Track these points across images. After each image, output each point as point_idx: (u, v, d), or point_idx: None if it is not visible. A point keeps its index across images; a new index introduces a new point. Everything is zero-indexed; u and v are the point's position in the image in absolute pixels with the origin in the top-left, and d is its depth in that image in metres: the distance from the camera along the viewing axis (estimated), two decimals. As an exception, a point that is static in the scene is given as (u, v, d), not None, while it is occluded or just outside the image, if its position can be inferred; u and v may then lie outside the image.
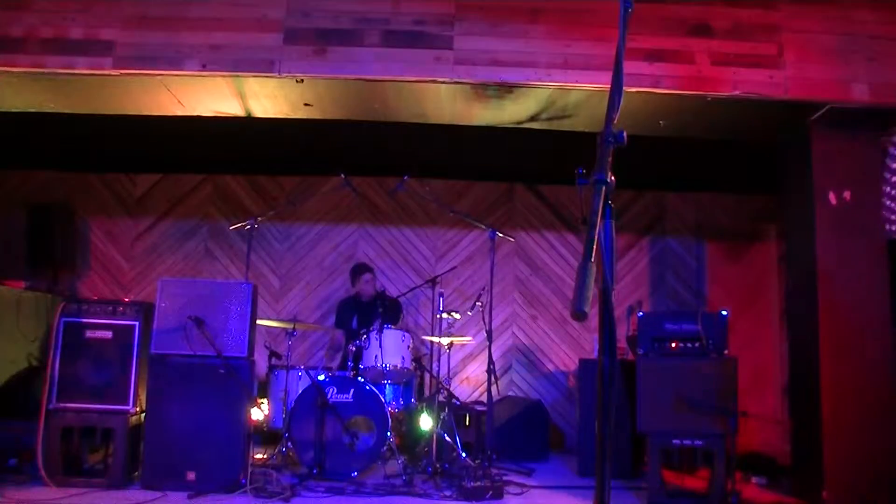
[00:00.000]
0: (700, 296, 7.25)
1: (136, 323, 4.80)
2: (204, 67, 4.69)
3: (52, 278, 6.77)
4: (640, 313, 4.93)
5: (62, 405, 4.65)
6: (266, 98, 5.07)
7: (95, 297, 5.46)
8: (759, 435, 5.76)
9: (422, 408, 5.69)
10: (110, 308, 4.84)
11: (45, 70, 4.69)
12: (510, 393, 7.05)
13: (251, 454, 4.80)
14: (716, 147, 5.77)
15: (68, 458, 4.69)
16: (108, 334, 4.78)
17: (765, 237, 7.20)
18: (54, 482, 4.50)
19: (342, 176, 5.93)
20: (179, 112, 5.34)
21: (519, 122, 5.34)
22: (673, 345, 4.68)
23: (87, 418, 4.68)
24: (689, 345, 4.64)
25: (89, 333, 4.77)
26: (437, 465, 5.04)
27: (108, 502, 4.21)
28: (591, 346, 7.11)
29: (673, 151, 6.00)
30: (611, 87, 1.81)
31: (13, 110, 5.32)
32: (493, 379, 5.51)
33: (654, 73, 4.64)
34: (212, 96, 5.07)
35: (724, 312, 4.69)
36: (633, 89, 4.56)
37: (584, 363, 5.81)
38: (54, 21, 4.70)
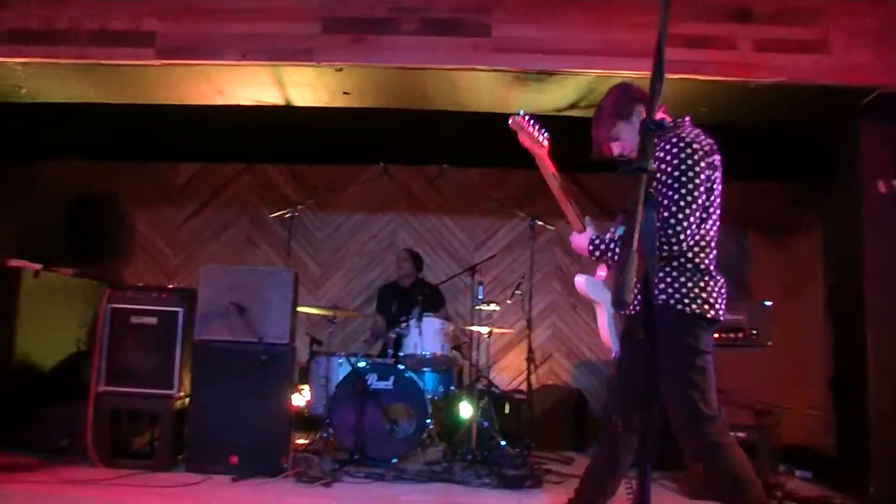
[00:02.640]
0: (742, 286, 7.13)
1: (180, 309, 4.88)
2: (243, 57, 4.72)
3: (98, 266, 6.91)
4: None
5: (110, 389, 4.76)
6: (305, 87, 5.10)
7: (140, 284, 5.56)
8: (802, 428, 5.66)
9: (461, 395, 5.71)
10: (155, 295, 4.93)
11: (89, 61, 4.77)
12: (550, 382, 7.03)
13: (293, 439, 4.85)
14: (758, 134, 5.66)
15: (116, 440, 4.80)
16: (153, 320, 4.87)
17: (809, 226, 7.04)
18: (103, 463, 4.62)
19: (381, 165, 5.95)
20: (220, 101, 5.40)
21: (558, 110, 5.29)
22: (716, 335, 4.61)
23: (133, 402, 4.79)
24: (731, 335, 4.57)
25: (135, 319, 4.87)
26: (477, 453, 5.06)
27: (154, 484, 4.29)
28: (631, 335, 7.04)
29: (714, 139, 5.89)
30: (652, 74, 1.79)
31: (59, 101, 5.43)
32: (532, 367, 5.51)
33: (696, 60, 4.56)
34: (251, 85, 5.11)
35: (767, 303, 4.61)
36: (675, 76, 4.49)
37: (624, 353, 5.76)
38: (98, 13, 4.76)
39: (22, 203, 7.50)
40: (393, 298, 6.57)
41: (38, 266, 5.67)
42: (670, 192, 2.80)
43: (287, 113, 5.56)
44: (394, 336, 5.62)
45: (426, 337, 5.47)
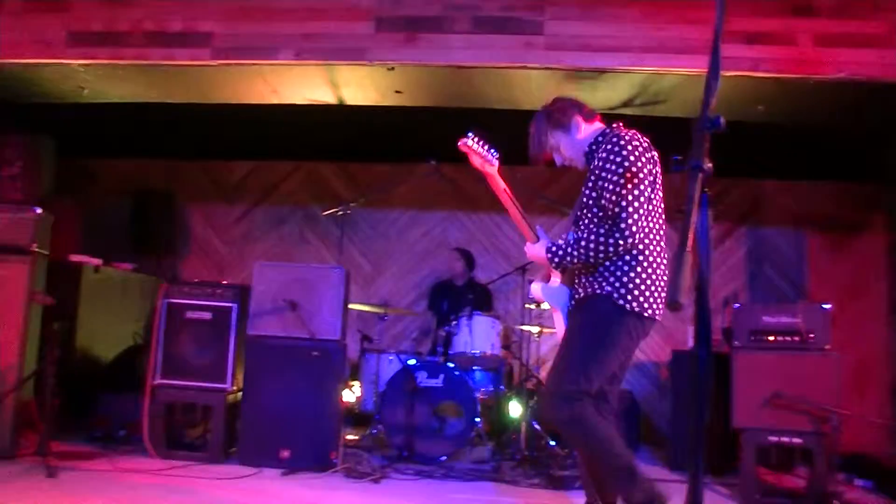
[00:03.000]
0: (800, 288, 6.96)
1: (234, 305, 4.97)
2: (297, 56, 4.78)
3: (155, 261, 7.08)
4: (736, 305, 4.77)
5: (165, 382, 4.87)
6: (357, 86, 5.14)
7: (195, 280, 5.67)
8: (863, 435, 5.49)
9: (511, 395, 5.69)
10: (209, 290, 5.02)
11: (148, 62, 4.89)
12: (599, 382, 6.95)
13: (343, 435, 4.90)
14: (818, 132, 5.52)
15: (170, 432, 4.91)
16: (208, 315, 4.97)
17: (871, 227, 6.84)
18: (158, 453, 4.73)
19: (432, 162, 5.95)
20: (274, 100, 5.48)
21: (611, 108, 5.23)
22: (770, 338, 4.50)
23: (187, 395, 4.89)
24: (787, 338, 4.45)
25: (190, 314, 4.96)
26: (526, 453, 5.04)
27: (207, 475, 4.37)
28: (684, 337, 6.94)
29: (772, 137, 5.78)
30: (707, 72, 1.75)
31: (119, 101, 5.56)
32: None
33: (754, 56, 4.46)
34: (305, 84, 5.17)
35: (827, 306, 4.49)
36: (731, 73, 4.40)
37: (677, 354, 5.68)
38: (157, 15, 4.87)
39: (84, 200, 7.72)
40: (444, 296, 6.58)
41: (99, 261, 5.83)
42: (617, 188, 2.91)
43: (339, 111, 5.61)
44: (444, 334, 5.63)
45: (476, 335, 5.46)
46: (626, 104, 5.14)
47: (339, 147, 7.27)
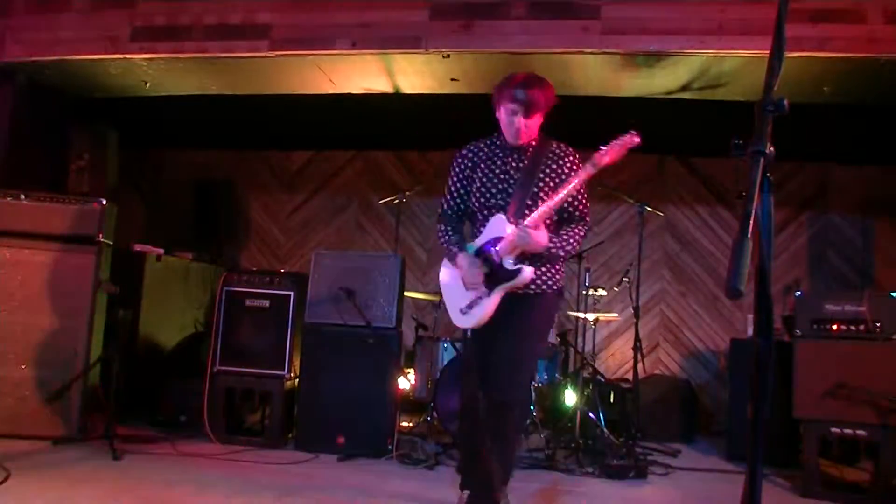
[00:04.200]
0: (867, 276, 6.75)
1: (292, 293, 5.04)
2: (354, 46, 4.81)
3: (216, 250, 7.23)
4: (799, 293, 4.65)
5: (225, 368, 4.97)
6: (413, 74, 5.14)
7: (254, 268, 5.76)
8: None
9: (566, 383, 5.66)
10: (268, 279, 5.10)
11: (209, 55, 4.98)
12: (657, 371, 6.88)
13: (398, 422, 4.94)
14: (887, 114, 5.32)
15: (230, 418, 5.01)
16: (266, 303, 5.05)
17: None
18: (218, 438, 4.83)
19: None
20: (331, 90, 5.52)
21: (669, 92, 5.14)
22: (834, 327, 4.38)
23: (246, 381, 4.98)
24: (852, 328, 4.32)
25: (249, 302, 5.05)
26: (580, 442, 5.00)
27: (265, 460, 4.46)
28: (743, 325, 6.81)
29: (838, 120, 5.60)
30: (770, 53, 1.70)
31: (181, 93, 5.68)
32: (639, 356, 5.40)
33: (819, 36, 4.30)
34: (361, 74, 5.20)
35: (895, 294, 4.34)
36: (795, 54, 4.26)
37: (736, 343, 5.58)
38: (217, 8, 4.96)
39: (147, 191, 7.93)
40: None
41: (161, 250, 5.97)
42: (583, 191, 3.28)
43: (396, 100, 5.63)
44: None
45: (531, 324, 5.43)
46: (684, 88, 5.03)
47: (396, 135, 7.30)
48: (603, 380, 6.00)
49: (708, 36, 4.45)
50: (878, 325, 4.24)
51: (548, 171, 3.27)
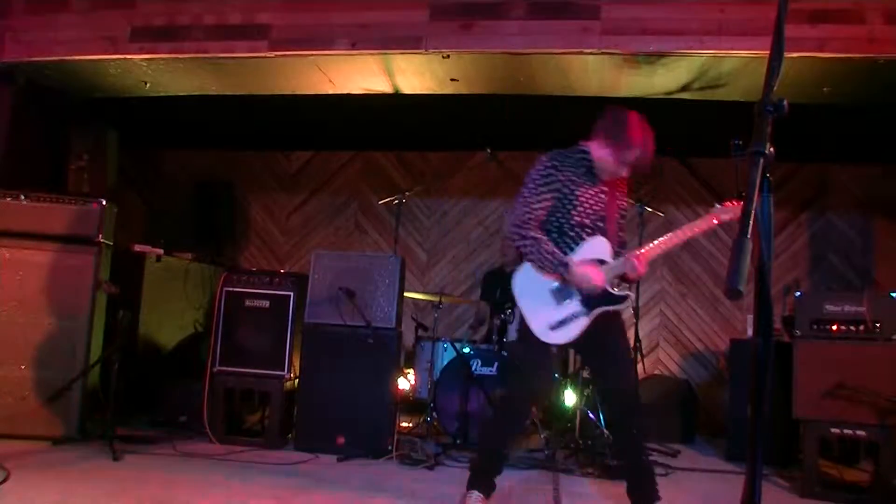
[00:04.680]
0: (867, 276, 6.75)
1: (292, 293, 5.04)
2: (353, 46, 4.80)
3: (215, 250, 7.22)
4: (798, 293, 4.65)
5: (224, 369, 4.97)
6: (413, 74, 5.14)
7: (254, 269, 5.76)
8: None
9: (566, 384, 5.66)
10: (268, 279, 5.10)
11: (208, 55, 4.97)
12: (657, 371, 6.88)
13: (398, 422, 4.95)
14: (886, 115, 5.32)
15: (229, 418, 5.02)
16: (266, 304, 5.05)
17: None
18: (217, 439, 4.84)
19: (488, 150, 5.93)
20: (330, 91, 5.52)
21: (669, 93, 5.14)
22: (834, 327, 4.38)
23: (246, 382, 4.98)
24: (852, 328, 4.32)
25: (248, 302, 5.05)
26: (580, 442, 5.01)
27: (265, 460, 4.46)
28: (742, 325, 6.81)
29: (838, 120, 5.60)
30: (770, 53, 1.70)
31: (180, 94, 5.68)
32: (639, 356, 5.40)
33: (819, 36, 4.30)
34: (361, 74, 5.19)
35: (894, 294, 4.34)
36: (795, 54, 4.26)
37: (735, 343, 5.58)
38: (216, 8, 4.96)
39: (147, 191, 7.92)
40: (498, 285, 6.56)
41: (160, 251, 5.97)
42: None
43: (395, 100, 5.62)
44: (498, 322, 5.61)
45: (531, 324, 5.43)
46: (684, 88, 5.03)
47: (396, 136, 7.30)
48: (603, 380, 5.99)
49: (708, 36, 4.45)
50: (878, 325, 4.24)
51: (622, 205, 3.54)
